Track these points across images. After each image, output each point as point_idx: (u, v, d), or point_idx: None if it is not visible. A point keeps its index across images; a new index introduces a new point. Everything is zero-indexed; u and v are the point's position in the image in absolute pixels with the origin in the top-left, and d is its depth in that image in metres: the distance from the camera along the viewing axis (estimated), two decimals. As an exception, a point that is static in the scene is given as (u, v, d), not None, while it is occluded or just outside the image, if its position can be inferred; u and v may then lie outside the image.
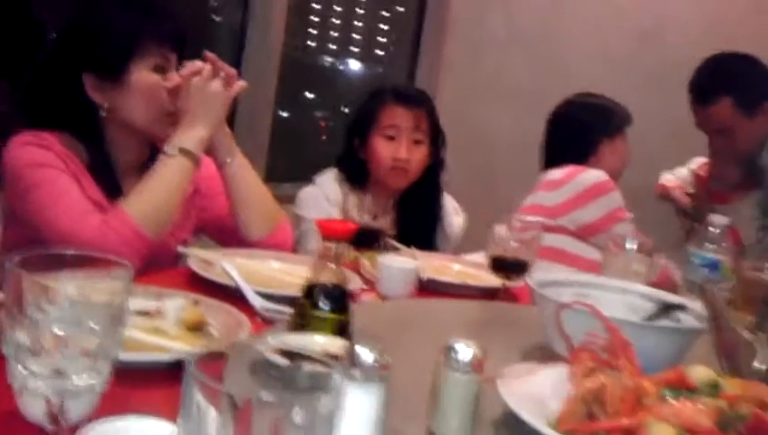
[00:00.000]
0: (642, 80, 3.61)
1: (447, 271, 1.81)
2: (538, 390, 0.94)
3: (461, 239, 2.35)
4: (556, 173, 2.36)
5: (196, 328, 1.15)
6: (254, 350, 0.71)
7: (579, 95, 2.60)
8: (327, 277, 1.08)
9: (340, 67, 4.11)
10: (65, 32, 1.64)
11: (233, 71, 1.63)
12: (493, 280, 1.70)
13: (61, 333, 0.72)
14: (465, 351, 0.89)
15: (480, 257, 1.97)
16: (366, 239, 1.65)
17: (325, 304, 1.08)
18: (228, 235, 1.76)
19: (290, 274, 1.54)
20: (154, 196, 1.53)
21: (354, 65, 4.15)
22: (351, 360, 0.82)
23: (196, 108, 1.58)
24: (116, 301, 0.75)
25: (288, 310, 1.30)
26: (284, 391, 0.62)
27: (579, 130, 2.49)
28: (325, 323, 1.08)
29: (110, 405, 0.83)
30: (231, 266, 1.40)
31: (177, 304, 1.19)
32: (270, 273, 1.56)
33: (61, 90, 1.61)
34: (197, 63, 1.61)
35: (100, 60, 1.58)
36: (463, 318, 1.50)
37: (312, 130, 4.00)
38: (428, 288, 1.66)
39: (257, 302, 1.33)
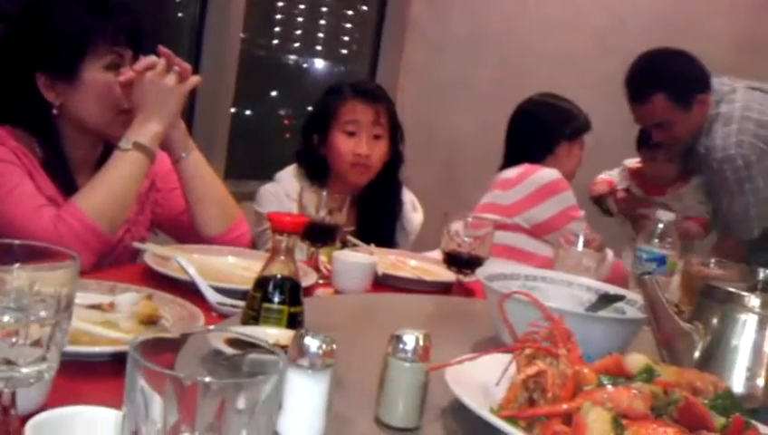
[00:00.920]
0: (600, 80, 3.67)
1: (403, 266, 1.84)
2: (483, 378, 0.96)
3: (418, 235, 2.37)
4: (510, 172, 2.40)
5: (150, 322, 1.16)
6: (202, 339, 0.72)
7: (542, 95, 2.64)
8: (278, 270, 1.10)
9: (304, 65, 4.12)
10: (15, 29, 1.62)
11: (187, 65, 1.63)
12: (447, 275, 1.72)
13: (10, 322, 0.73)
14: (410, 339, 0.91)
15: (439, 254, 2.00)
16: (322, 235, 1.67)
17: (276, 297, 1.10)
18: (184, 231, 1.77)
19: (246, 269, 1.55)
20: (108, 190, 1.53)
21: (318, 64, 4.16)
22: (298, 348, 0.84)
23: (149, 102, 1.58)
24: (64, 291, 0.76)
25: (243, 304, 1.32)
26: (227, 377, 0.63)
27: (540, 129, 2.52)
28: (277, 315, 1.09)
29: (61, 397, 0.84)
30: (186, 261, 1.41)
31: (130, 298, 1.20)
32: (226, 268, 1.57)
33: (13, 86, 1.60)
34: (151, 58, 1.60)
35: (52, 59, 1.56)
36: (416, 312, 1.52)
37: (276, 129, 4.01)
38: (384, 283, 1.68)
39: (212, 296, 1.34)
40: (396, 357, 0.91)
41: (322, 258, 1.72)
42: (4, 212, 1.46)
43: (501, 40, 3.88)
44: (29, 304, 0.74)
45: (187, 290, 1.35)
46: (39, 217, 1.46)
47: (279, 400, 0.63)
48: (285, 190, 2.20)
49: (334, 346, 0.85)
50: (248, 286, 1.37)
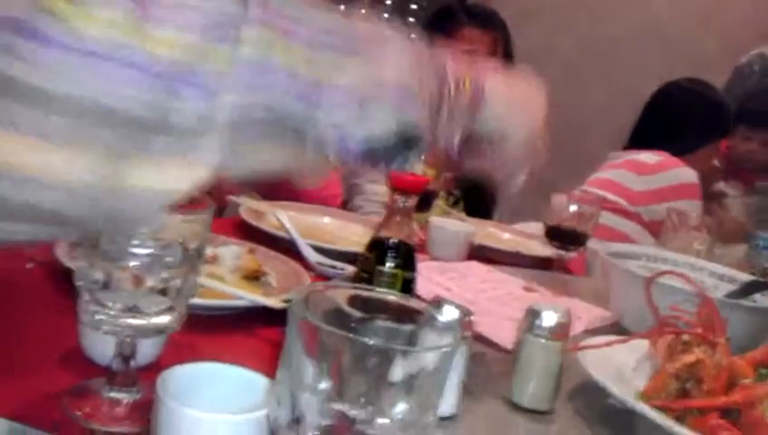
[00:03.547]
0: (691, 61, 3.51)
1: (497, 238, 1.76)
2: (619, 363, 0.89)
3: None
4: (648, 157, 2.18)
5: (254, 277, 1.10)
6: (332, 301, 0.66)
7: (693, 82, 2.37)
8: (394, 232, 1.03)
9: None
10: None
11: None
12: (543, 250, 1.64)
13: (137, 268, 0.68)
14: (549, 316, 0.84)
15: (526, 228, 1.91)
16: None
17: (390, 261, 1.03)
18: (276, 184, 1.71)
19: (342, 230, 1.50)
20: None
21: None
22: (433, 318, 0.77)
23: None
24: (195, 240, 0.70)
25: (342, 265, 1.26)
26: (389, 346, 0.57)
27: (691, 127, 2.27)
28: (390, 279, 1.03)
29: (175, 351, 0.79)
30: (285, 218, 1.36)
31: (232, 252, 1.14)
32: (322, 228, 1.51)
33: None
34: None
35: None
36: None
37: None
38: (479, 254, 1.60)
39: (312, 255, 1.28)
40: (532, 334, 0.84)
41: (415, 225, 1.65)
42: None
43: (591, 7, 3.73)
44: (158, 250, 0.69)
45: (282, 247, 1.29)
46: None
47: (444, 378, 0.57)
48: None
49: (473, 318, 0.78)
50: (345, 248, 1.32)
